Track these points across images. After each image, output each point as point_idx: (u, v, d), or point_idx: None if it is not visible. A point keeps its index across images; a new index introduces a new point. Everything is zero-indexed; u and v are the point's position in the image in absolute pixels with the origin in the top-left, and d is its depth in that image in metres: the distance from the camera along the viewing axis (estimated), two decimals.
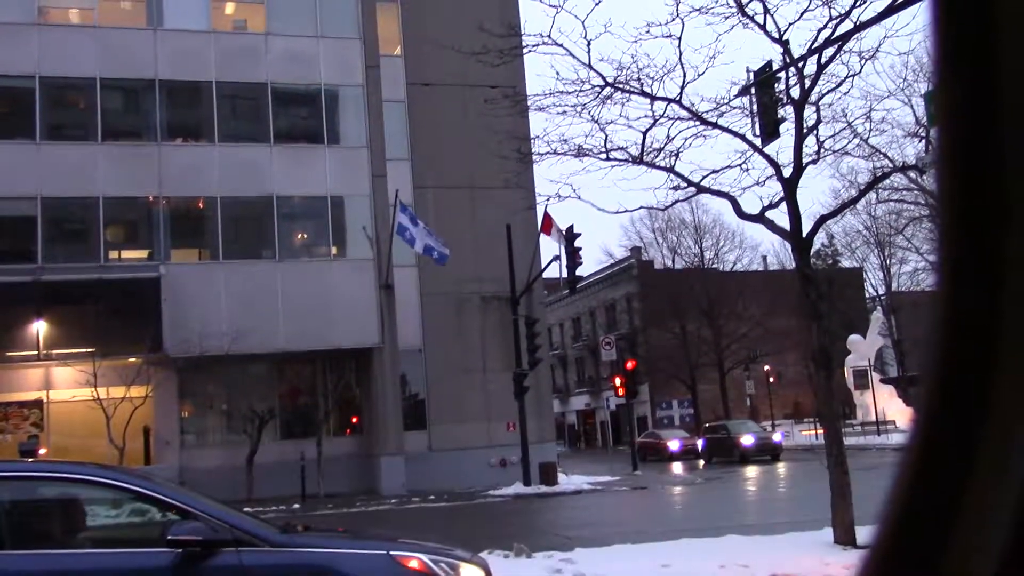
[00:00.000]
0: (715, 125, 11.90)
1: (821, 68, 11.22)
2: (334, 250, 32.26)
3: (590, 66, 11.85)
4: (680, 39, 11.42)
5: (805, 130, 11.47)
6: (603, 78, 11.76)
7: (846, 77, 11.68)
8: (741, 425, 43.47)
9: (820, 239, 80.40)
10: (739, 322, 67.22)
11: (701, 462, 43.23)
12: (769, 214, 12.36)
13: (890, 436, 52.82)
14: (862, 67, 12.07)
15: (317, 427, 30.69)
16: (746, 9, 11.11)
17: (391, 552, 5.68)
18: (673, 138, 12.19)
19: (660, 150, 12.81)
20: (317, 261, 31.63)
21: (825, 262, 78.36)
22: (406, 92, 34.19)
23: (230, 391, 31.04)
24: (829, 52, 11.63)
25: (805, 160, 11.82)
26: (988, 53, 0.84)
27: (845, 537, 11.14)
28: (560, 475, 33.71)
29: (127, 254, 31.28)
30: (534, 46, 12.61)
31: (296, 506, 26.85)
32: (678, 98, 11.51)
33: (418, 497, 28.15)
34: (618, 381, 38.12)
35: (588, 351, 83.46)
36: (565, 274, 30.52)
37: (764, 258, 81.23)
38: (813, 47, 11.26)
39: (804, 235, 11.75)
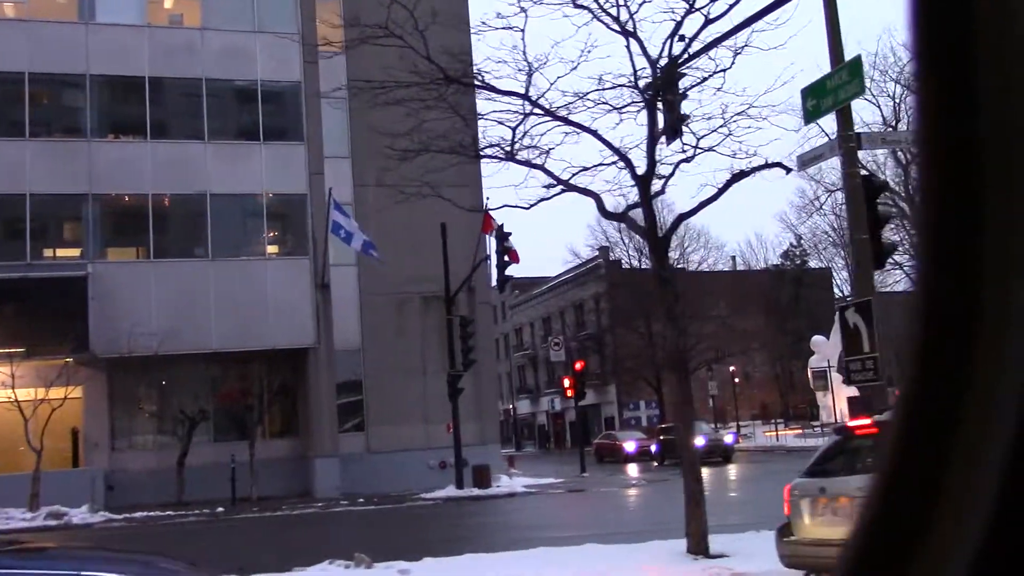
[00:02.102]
0: (567, 121, 11.56)
1: (675, 63, 10.88)
2: (270, 249, 31.85)
3: (428, 58, 11.47)
4: (523, 31, 11.07)
5: (661, 128, 11.11)
6: (443, 71, 11.41)
7: (713, 73, 11.36)
8: (699, 428, 43.11)
9: (788, 239, 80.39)
10: (703, 323, 66.93)
11: (655, 463, 42.89)
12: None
13: None
14: (733, 62, 11.75)
15: (251, 429, 30.22)
16: (582, 2, 10.76)
17: (80, 573, 5.28)
18: (544, 134, 11.86)
19: (535, 147, 12.47)
20: (252, 260, 31.16)
21: (793, 262, 78.32)
22: (347, 89, 33.69)
23: (162, 392, 30.57)
24: (697, 45, 11.28)
25: (680, 158, 11.49)
26: (968, 47, 0.87)
27: (697, 547, 10.81)
28: (504, 477, 33.39)
29: (57, 252, 30.74)
30: (374, 37, 12.23)
31: (220, 509, 26.40)
32: (525, 92, 11.16)
33: (346, 500, 27.78)
34: (567, 383, 37.73)
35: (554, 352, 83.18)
36: (502, 275, 30.10)
37: (733, 259, 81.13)
38: (674, 43, 10.92)
39: (661, 235, 11.39)
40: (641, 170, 11.04)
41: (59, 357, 28.17)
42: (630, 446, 47.22)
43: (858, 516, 0.92)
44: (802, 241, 75.78)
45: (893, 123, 69.64)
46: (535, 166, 12.27)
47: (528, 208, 12.77)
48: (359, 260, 32.17)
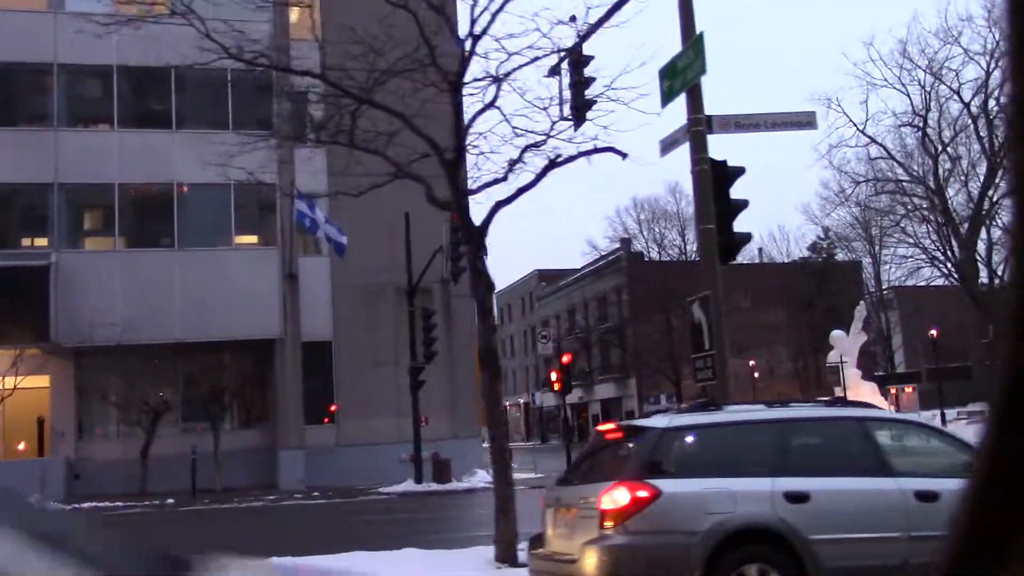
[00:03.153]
0: (369, 102, 10.98)
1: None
2: (237, 239, 31.56)
3: (208, 36, 10.95)
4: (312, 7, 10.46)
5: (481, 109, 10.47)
6: (225, 49, 10.89)
7: (513, 54, 10.76)
8: None
9: (815, 232, 78.62)
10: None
11: None
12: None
13: None
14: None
15: (216, 420, 29.99)
16: None
17: None
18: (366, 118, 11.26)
19: (378, 132, 11.91)
20: (219, 250, 30.90)
21: (820, 256, 76.54)
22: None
23: (129, 382, 30.41)
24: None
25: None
26: None
27: (504, 555, 10.17)
28: (481, 472, 32.83)
29: (23, 241, 30.77)
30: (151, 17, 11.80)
31: (170, 501, 26.18)
32: (320, 72, 10.59)
33: (301, 494, 27.47)
34: (553, 376, 36.98)
35: (581, 344, 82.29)
36: (455, 267, 29.45)
37: (760, 251, 79.53)
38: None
39: (480, 224, 10.75)
40: (450, 156, 10.43)
41: (20, 347, 28.21)
42: None
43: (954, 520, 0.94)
44: (829, 234, 74.16)
45: (923, 111, 67.93)
46: (373, 151, 11.70)
47: (357, 195, 12.20)
48: (332, 251, 31.79)
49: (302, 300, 31.82)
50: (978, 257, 66.81)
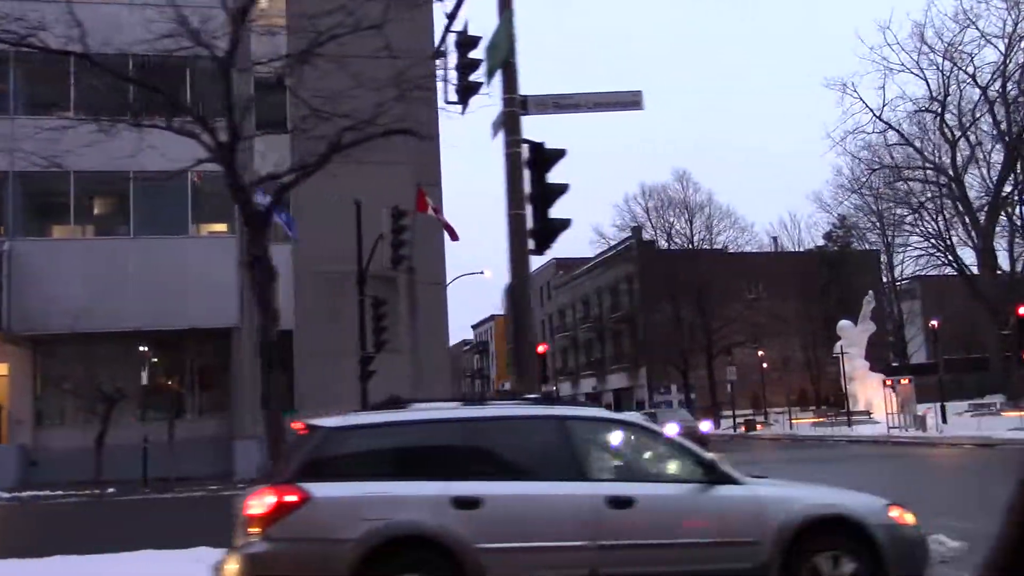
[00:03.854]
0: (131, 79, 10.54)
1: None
2: (193, 227, 31.35)
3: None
4: None
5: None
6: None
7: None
8: (670, 413, 41.44)
9: (830, 221, 76.94)
10: (732, 305, 64.76)
11: None
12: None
13: (855, 427, 50.23)
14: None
15: (172, 408, 29.87)
16: None
17: None
18: None
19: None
20: (175, 238, 30.71)
21: (836, 244, 75.01)
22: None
23: (88, 370, 30.36)
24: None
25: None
26: None
27: None
28: None
29: None
30: None
31: (111, 490, 26.05)
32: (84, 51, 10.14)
33: (244, 484, 27.11)
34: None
35: (595, 333, 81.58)
36: (397, 254, 28.95)
37: (775, 239, 78.19)
38: None
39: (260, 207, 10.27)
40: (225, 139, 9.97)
41: None
42: None
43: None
44: (845, 222, 72.60)
45: (942, 96, 66.19)
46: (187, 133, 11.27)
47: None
48: (294, 240, 31.51)
49: None
50: (996, 246, 65.32)
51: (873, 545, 7.12)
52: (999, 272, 65.07)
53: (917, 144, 68.15)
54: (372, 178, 32.14)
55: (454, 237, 31.66)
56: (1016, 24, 60.16)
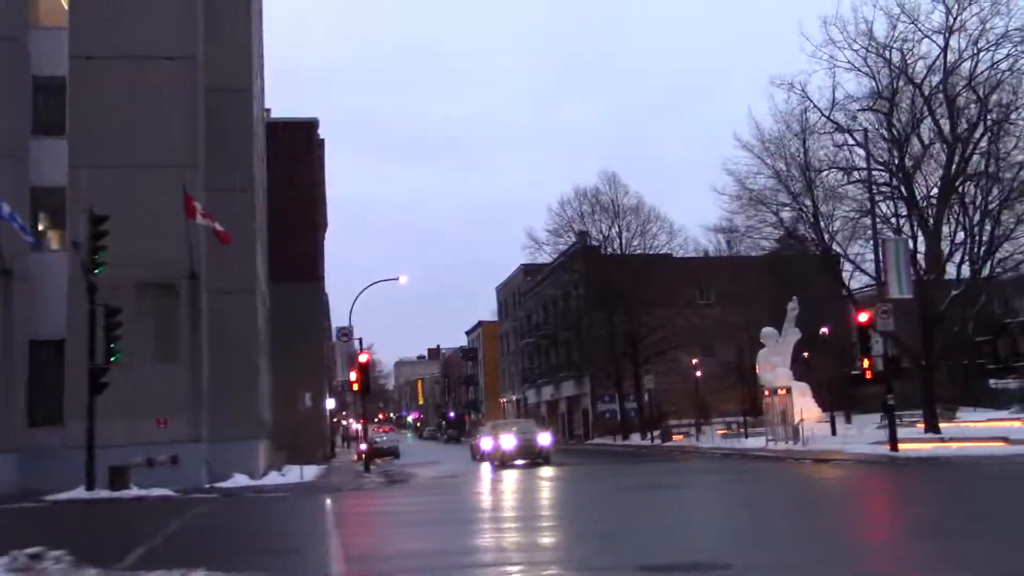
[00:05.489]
0: None
1: None
2: None
3: None
4: None
5: None
6: None
7: None
8: (511, 426, 39.80)
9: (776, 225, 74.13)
10: (661, 312, 62.65)
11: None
12: None
13: (743, 440, 48.06)
14: None
15: None
16: None
17: None
18: None
19: None
20: None
21: (788, 249, 72.22)
22: (69, 66, 32.13)
23: None
24: None
25: None
26: None
27: None
28: (240, 476, 31.33)
29: None
30: None
31: None
32: None
33: None
34: (353, 376, 35.24)
35: (550, 340, 79.96)
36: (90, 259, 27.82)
37: (728, 243, 75.54)
38: None
39: None
40: None
41: None
42: (486, 444, 43.10)
43: None
44: (798, 226, 69.60)
45: (889, 95, 63.45)
46: None
47: None
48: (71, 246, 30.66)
49: (36, 297, 30.91)
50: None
51: None
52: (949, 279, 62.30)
53: (868, 145, 65.46)
54: (157, 180, 31.27)
55: (224, 241, 30.61)
56: (956, 17, 57.45)
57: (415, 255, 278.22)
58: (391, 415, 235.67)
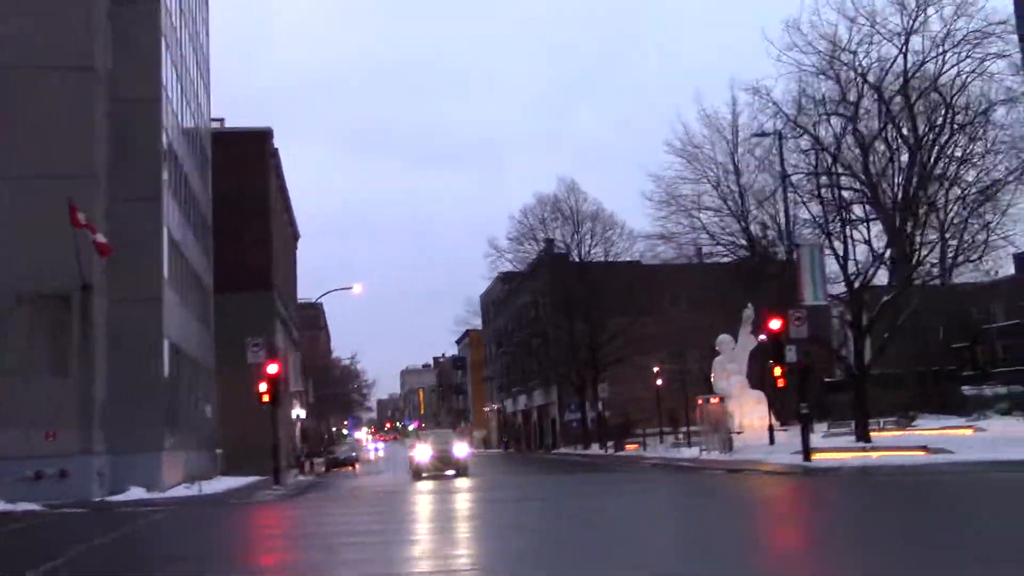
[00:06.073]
0: None
1: None
2: None
3: None
4: None
5: None
6: None
7: None
8: (429, 438, 39.21)
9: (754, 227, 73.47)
10: (626, 319, 61.89)
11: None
12: None
13: (682, 450, 47.31)
14: None
15: None
16: None
17: None
18: None
19: None
20: None
21: (755, 255, 71.51)
22: None
23: None
24: None
25: None
26: None
27: None
28: (135, 489, 30.99)
29: None
30: None
31: None
32: None
33: None
34: (263, 387, 34.83)
35: (522, 349, 79.44)
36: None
37: (699, 250, 74.80)
38: None
39: None
40: None
41: None
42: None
43: None
44: (767, 232, 68.92)
45: (855, 99, 62.64)
46: None
47: None
48: None
49: None
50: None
51: None
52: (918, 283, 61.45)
53: (833, 150, 64.68)
54: (38, 193, 30.99)
55: (103, 253, 30.31)
56: (914, 19, 56.67)
57: (432, 260, 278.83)
58: (398, 424, 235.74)
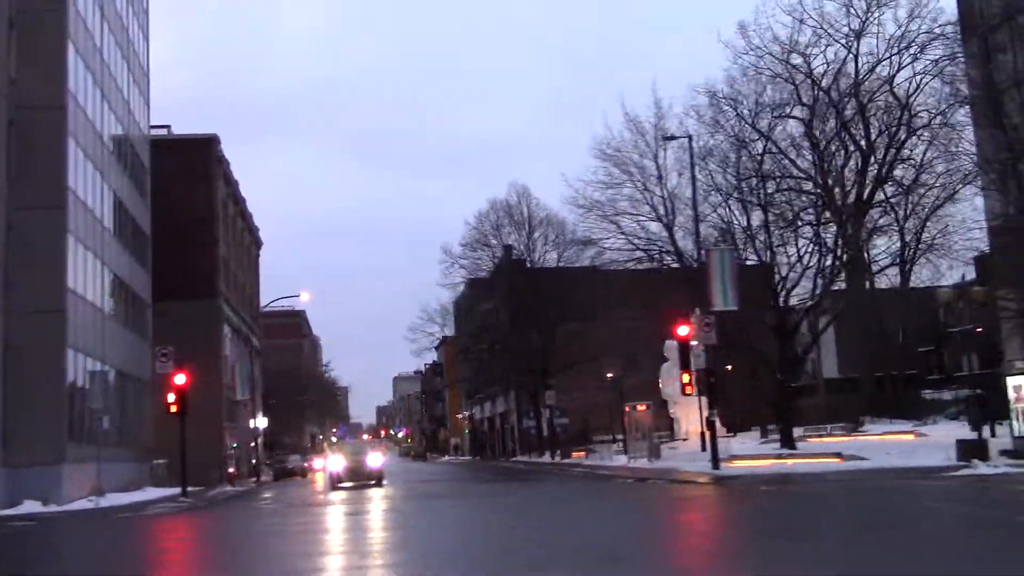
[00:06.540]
0: None
1: None
2: None
3: None
4: None
5: None
6: None
7: None
8: (344, 448, 38.77)
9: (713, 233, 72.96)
10: (579, 325, 61.37)
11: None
12: None
13: (613, 458, 46.69)
14: None
15: None
16: None
17: None
18: None
19: None
20: None
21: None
22: None
23: None
24: None
25: None
26: None
27: None
28: (29, 503, 30.56)
29: None
30: None
31: None
32: None
33: None
34: (171, 397, 34.39)
35: (487, 355, 78.82)
36: None
37: (653, 257, 74.23)
38: None
39: None
40: None
41: None
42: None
43: None
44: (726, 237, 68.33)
45: (810, 101, 62.12)
46: None
47: None
48: None
49: None
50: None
51: None
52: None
53: (791, 154, 64.12)
54: None
55: None
56: (864, 22, 56.11)
57: (432, 262, 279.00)
58: (391, 431, 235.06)
